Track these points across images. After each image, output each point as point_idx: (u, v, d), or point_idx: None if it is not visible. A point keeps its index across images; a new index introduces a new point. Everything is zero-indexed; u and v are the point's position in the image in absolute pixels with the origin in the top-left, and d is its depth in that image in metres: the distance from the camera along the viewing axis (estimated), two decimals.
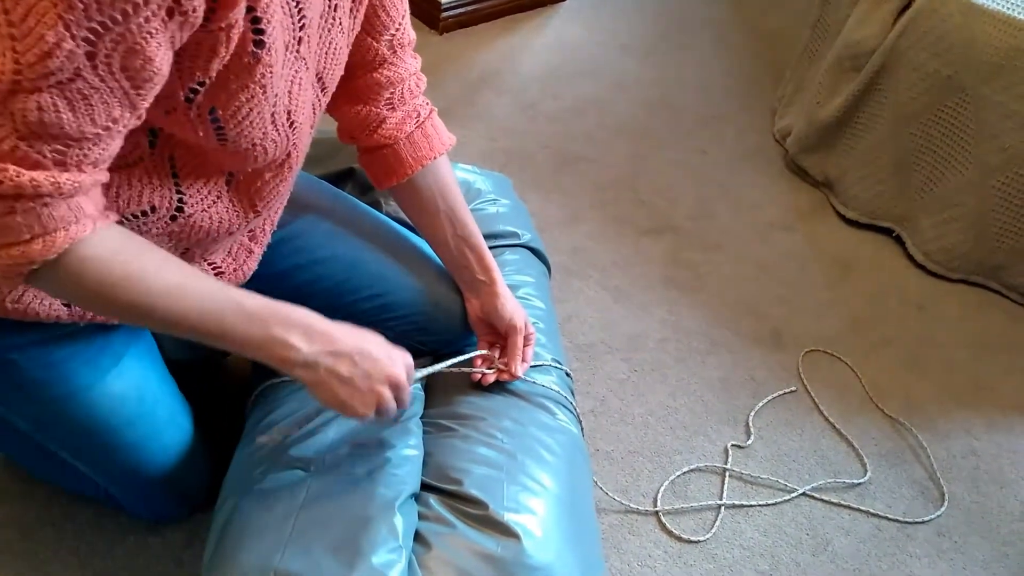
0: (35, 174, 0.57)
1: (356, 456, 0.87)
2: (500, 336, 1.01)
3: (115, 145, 0.61)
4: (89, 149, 0.59)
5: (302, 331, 0.71)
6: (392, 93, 0.92)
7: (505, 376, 0.98)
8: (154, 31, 0.55)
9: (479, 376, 0.98)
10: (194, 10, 0.56)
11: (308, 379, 0.74)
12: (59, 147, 0.58)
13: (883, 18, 1.57)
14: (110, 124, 0.59)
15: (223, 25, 0.60)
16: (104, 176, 0.63)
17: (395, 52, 0.90)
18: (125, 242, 0.67)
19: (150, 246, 0.69)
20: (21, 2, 0.51)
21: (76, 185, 0.60)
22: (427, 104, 0.97)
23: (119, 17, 0.53)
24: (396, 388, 0.77)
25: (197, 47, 0.61)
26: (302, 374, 0.73)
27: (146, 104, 0.60)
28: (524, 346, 0.99)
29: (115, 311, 0.70)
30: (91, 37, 0.53)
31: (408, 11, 0.90)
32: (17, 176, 0.57)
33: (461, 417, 0.95)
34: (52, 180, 0.58)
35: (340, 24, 0.78)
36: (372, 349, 0.75)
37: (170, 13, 0.55)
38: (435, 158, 0.96)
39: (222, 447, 1.03)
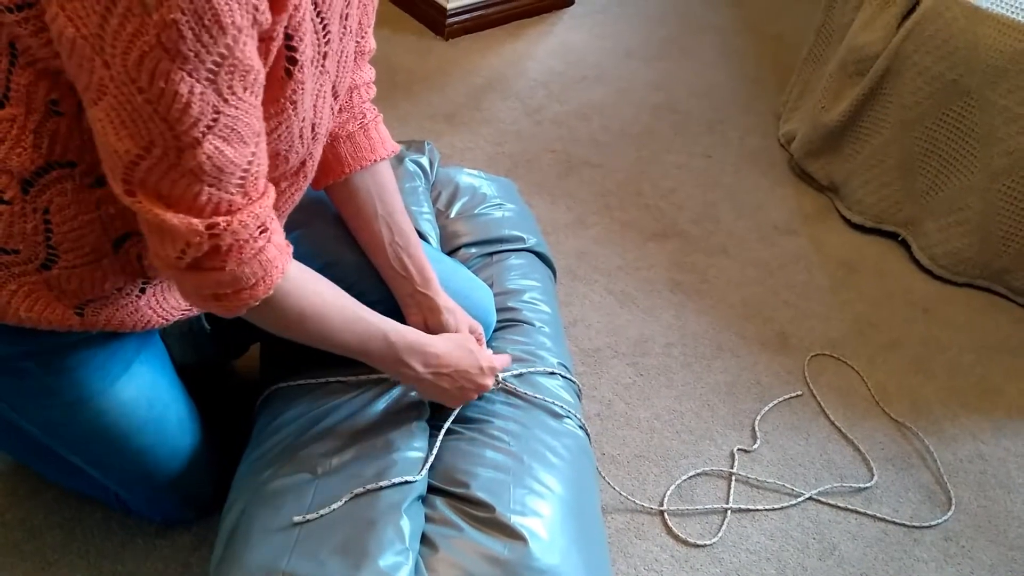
0: (238, 216, 0.65)
1: (363, 459, 0.87)
2: None
3: (264, 152, 0.67)
4: (257, 168, 0.66)
5: (420, 357, 0.87)
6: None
7: None
8: (251, 47, 0.59)
9: None
10: (263, 11, 0.59)
11: (417, 387, 0.91)
12: (238, 180, 0.64)
13: (887, 22, 1.58)
14: (257, 139, 0.64)
15: (269, 35, 0.62)
16: (272, 192, 0.70)
17: (354, 60, 0.89)
18: (306, 277, 0.77)
19: (320, 278, 0.79)
20: (144, 70, 0.55)
21: (269, 209, 0.68)
22: (374, 110, 0.96)
23: (225, 52, 0.57)
24: (482, 390, 0.94)
25: None
26: (415, 384, 0.90)
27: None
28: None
29: (301, 336, 0.81)
30: (211, 76, 0.57)
31: (374, 21, 0.89)
32: (228, 225, 0.65)
33: (468, 420, 0.96)
34: (252, 214, 0.66)
35: (351, 31, 0.79)
36: (469, 369, 0.91)
37: (252, 23, 0.59)
38: (376, 161, 0.94)
39: (230, 450, 1.04)
